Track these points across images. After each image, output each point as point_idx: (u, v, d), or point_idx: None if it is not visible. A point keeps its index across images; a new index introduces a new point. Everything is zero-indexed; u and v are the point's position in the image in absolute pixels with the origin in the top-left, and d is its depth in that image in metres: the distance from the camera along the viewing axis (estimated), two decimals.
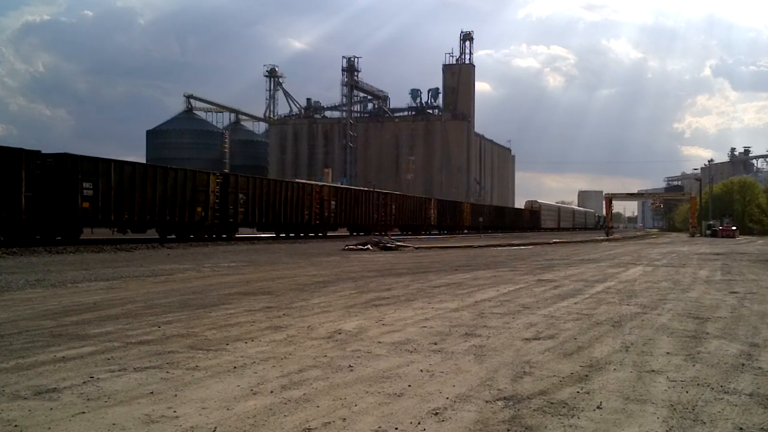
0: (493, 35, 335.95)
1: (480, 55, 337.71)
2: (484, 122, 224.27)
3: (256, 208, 30.10)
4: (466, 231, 56.33)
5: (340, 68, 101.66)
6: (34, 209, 19.58)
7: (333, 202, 37.43)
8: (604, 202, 72.97)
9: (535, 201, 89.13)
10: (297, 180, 45.20)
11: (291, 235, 34.86)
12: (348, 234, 40.48)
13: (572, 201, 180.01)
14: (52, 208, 20.18)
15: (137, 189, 23.15)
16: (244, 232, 33.02)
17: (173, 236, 26.70)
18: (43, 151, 20.26)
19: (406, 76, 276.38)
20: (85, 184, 21.12)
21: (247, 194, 29.43)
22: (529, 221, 79.82)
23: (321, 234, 37.19)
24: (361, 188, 47.83)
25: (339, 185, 46.40)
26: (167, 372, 4.47)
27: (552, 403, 3.81)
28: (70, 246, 19.84)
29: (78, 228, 22.32)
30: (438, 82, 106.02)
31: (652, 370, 4.69)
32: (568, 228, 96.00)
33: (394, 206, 45.52)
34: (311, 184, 38.46)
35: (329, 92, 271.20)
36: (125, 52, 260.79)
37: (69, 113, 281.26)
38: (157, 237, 26.35)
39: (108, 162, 22.41)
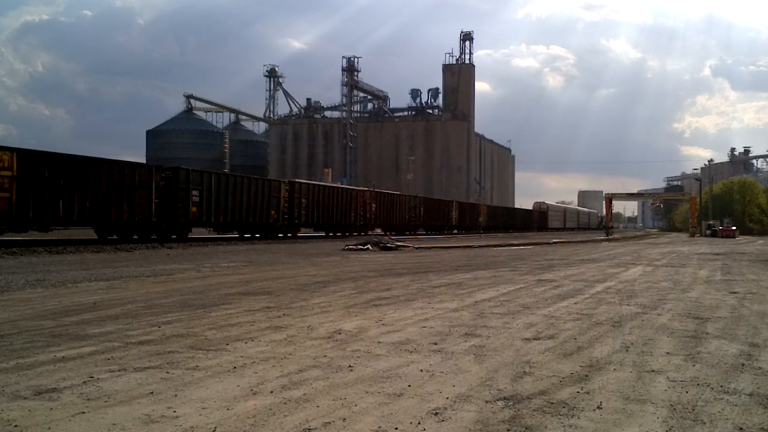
0: (492, 35, 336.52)
1: (480, 55, 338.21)
2: (484, 122, 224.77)
3: (315, 210, 34.64)
4: (482, 231, 58.66)
5: (340, 68, 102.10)
6: (159, 213, 23.89)
7: (374, 206, 41.94)
8: (604, 202, 73.08)
9: (543, 202, 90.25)
10: (346, 186, 48.63)
11: (338, 234, 38.63)
12: (382, 233, 42.04)
13: (572, 201, 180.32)
14: (170, 211, 24.60)
15: (229, 195, 27.65)
16: (301, 232, 35.90)
17: (248, 235, 30.62)
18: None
19: (406, 76, 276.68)
20: (194, 192, 25.61)
21: (308, 199, 33.82)
22: (538, 221, 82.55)
23: (363, 233, 40.00)
24: (396, 192, 51.01)
25: (379, 190, 47.61)
26: (167, 372, 4.47)
27: (552, 403, 3.81)
28: (70, 246, 19.96)
29: (189, 228, 26.72)
30: (438, 82, 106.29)
31: (652, 370, 4.69)
32: (572, 228, 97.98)
33: (422, 208, 49.40)
34: (356, 190, 42.30)
35: (329, 92, 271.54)
36: (124, 52, 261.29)
37: (68, 113, 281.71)
38: (237, 236, 30.71)
39: (210, 173, 27.49)
